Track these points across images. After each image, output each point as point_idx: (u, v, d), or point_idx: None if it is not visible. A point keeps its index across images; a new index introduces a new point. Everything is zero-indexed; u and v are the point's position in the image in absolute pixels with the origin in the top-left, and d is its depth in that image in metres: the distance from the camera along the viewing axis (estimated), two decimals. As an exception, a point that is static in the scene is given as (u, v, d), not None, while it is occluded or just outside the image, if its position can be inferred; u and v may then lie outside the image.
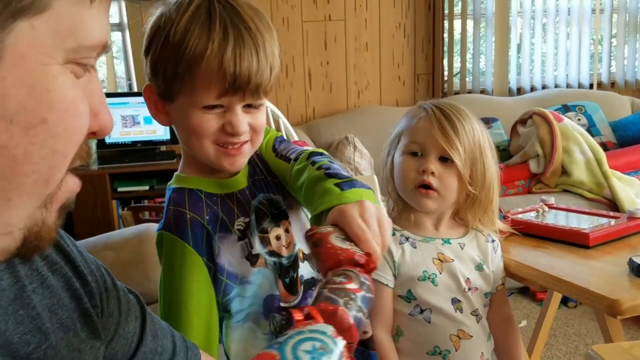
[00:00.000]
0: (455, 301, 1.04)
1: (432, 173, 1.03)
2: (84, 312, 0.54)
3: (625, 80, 3.81)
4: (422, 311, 1.04)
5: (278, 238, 0.86)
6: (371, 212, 0.63)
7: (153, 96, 0.81)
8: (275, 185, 0.90)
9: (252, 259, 0.84)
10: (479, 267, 1.08)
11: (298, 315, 0.43)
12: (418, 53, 3.52)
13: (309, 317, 0.43)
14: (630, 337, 2.29)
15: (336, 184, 0.71)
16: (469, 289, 1.06)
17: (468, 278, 1.06)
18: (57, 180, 0.39)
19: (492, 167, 1.07)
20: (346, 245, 0.57)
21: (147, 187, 2.97)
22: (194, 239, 0.80)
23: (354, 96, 3.45)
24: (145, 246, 1.54)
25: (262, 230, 0.86)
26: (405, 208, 1.10)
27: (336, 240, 0.57)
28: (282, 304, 0.86)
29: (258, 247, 0.85)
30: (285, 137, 0.96)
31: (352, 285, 0.49)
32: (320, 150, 0.87)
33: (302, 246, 0.89)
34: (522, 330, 2.35)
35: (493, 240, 1.12)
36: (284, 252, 0.87)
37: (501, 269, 1.12)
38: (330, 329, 0.42)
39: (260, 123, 0.82)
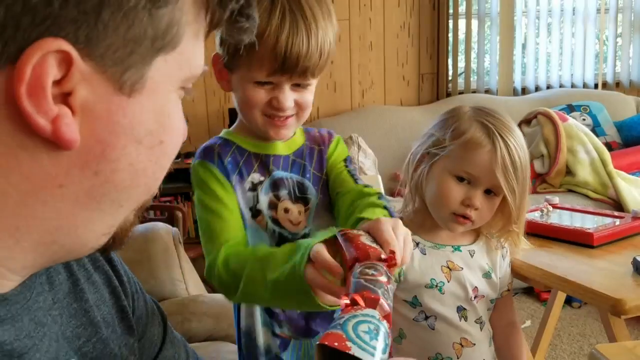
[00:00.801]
0: (460, 309, 1.03)
1: (476, 208, 0.99)
2: (121, 308, 0.57)
3: (630, 80, 3.81)
4: (426, 318, 1.03)
5: (286, 211, 0.93)
6: (402, 230, 0.68)
7: (218, 64, 0.91)
8: (316, 179, 0.96)
9: (255, 212, 0.92)
10: (487, 275, 1.06)
11: (345, 299, 0.47)
12: (422, 53, 3.52)
13: (354, 303, 0.48)
14: (635, 337, 2.29)
15: (385, 207, 0.80)
16: (476, 297, 1.04)
17: (476, 286, 1.04)
18: (156, 190, 0.45)
19: (528, 192, 1.02)
20: (375, 245, 0.62)
21: (152, 186, 2.98)
22: (219, 165, 0.92)
23: (358, 95, 3.45)
24: (151, 245, 1.54)
25: (276, 196, 0.93)
26: (422, 213, 1.06)
27: (366, 240, 0.62)
28: None
29: (264, 207, 0.93)
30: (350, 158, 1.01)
31: (382, 278, 0.53)
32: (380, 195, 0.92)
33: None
34: (526, 331, 2.35)
35: (502, 247, 1.10)
36: (289, 226, 0.93)
37: (508, 275, 1.11)
38: (377, 314, 0.46)
39: (306, 101, 0.90)
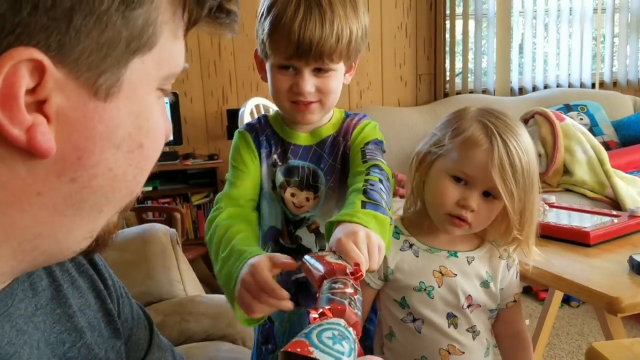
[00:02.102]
0: (450, 316, 1.00)
1: (472, 210, 0.95)
2: (107, 312, 0.57)
3: (627, 79, 3.81)
4: (414, 320, 1.01)
5: (292, 195, 1.01)
6: (364, 239, 0.71)
7: (258, 57, 1.00)
8: (330, 169, 1.01)
9: (274, 185, 1.02)
10: (484, 284, 1.01)
11: (314, 314, 0.49)
12: (420, 53, 3.52)
13: (322, 315, 0.50)
14: (631, 335, 2.29)
15: (362, 202, 0.81)
16: (470, 305, 1.00)
17: (470, 295, 1.00)
18: (138, 193, 0.44)
19: (537, 200, 0.97)
20: (340, 261, 0.65)
21: (150, 188, 2.99)
22: (254, 138, 1.03)
23: (356, 96, 3.46)
24: (149, 246, 1.54)
25: (287, 180, 1.01)
26: (422, 215, 1.04)
27: (331, 258, 0.66)
28: (280, 241, 1.03)
29: (277, 185, 1.02)
30: (382, 144, 1.01)
31: (349, 290, 0.56)
32: (385, 166, 0.93)
33: (320, 223, 1.01)
34: (524, 330, 2.36)
35: (509, 256, 1.03)
36: (291, 208, 1.01)
37: (515, 286, 1.05)
38: (342, 322, 0.49)
39: (328, 87, 0.94)
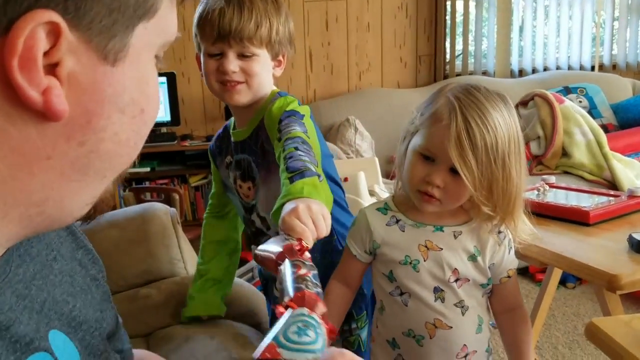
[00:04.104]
0: (437, 290, 1.01)
1: (437, 186, 0.96)
2: (92, 277, 0.58)
3: (626, 62, 3.81)
4: (401, 294, 1.02)
5: (240, 187, 1.21)
6: (303, 211, 0.76)
7: (198, 58, 1.13)
8: (258, 158, 1.15)
9: (230, 179, 1.23)
10: (472, 258, 1.02)
11: (281, 309, 0.52)
12: (420, 34, 3.50)
13: (287, 308, 0.53)
14: (630, 314, 2.31)
15: (289, 178, 0.86)
16: (457, 280, 1.01)
17: (456, 269, 1.00)
18: (134, 159, 0.45)
19: (516, 177, 0.96)
20: (286, 241, 0.69)
21: (148, 169, 2.98)
22: (212, 149, 1.30)
23: (356, 78, 3.44)
24: (149, 225, 1.54)
25: (235, 174, 1.21)
26: (407, 192, 1.05)
27: (278, 241, 0.70)
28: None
29: (232, 181, 1.22)
30: (294, 112, 1.07)
31: (302, 271, 0.59)
32: (299, 133, 0.99)
33: (264, 205, 1.17)
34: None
35: (499, 233, 1.03)
36: (244, 198, 1.21)
37: (509, 262, 1.04)
38: (305, 310, 0.51)
39: (251, 69, 1.08)
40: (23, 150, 0.37)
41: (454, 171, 0.94)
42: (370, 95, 3.27)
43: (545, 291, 1.60)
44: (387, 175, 2.46)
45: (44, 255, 0.51)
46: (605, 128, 3.09)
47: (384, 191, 2.45)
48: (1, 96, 0.35)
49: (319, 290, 0.56)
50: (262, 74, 1.09)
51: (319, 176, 0.87)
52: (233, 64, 1.06)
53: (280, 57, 1.13)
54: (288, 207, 0.77)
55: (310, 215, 0.75)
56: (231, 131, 1.20)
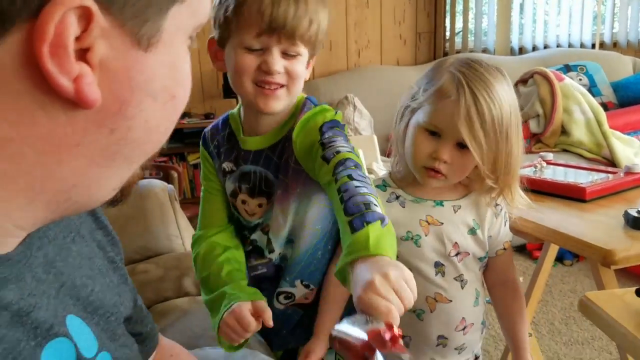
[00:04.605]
0: (438, 265, 1.01)
1: (444, 161, 0.96)
2: (110, 260, 0.57)
3: (627, 40, 3.78)
4: None
5: (244, 202, 1.01)
6: (381, 284, 0.64)
7: (213, 47, 0.94)
8: (284, 167, 0.96)
9: (226, 192, 1.04)
10: (472, 231, 1.03)
11: None
12: (420, 11, 3.47)
13: None
14: (624, 294, 2.33)
15: (349, 223, 0.74)
16: (457, 254, 1.02)
17: (456, 242, 1.02)
18: (163, 144, 0.44)
19: (516, 149, 0.97)
20: (371, 325, 0.59)
21: (146, 146, 2.97)
22: (209, 150, 1.05)
23: (354, 55, 3.42)
24: (146, 201, 1.55)
25: (239, 187, 1.00)
26: (407, 168, 1.04)
27: (361, 325, 0.59)
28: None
29: (228, 193, 1.03)
30: (337, 122, 0.94)
31: None
32: (349, 154, 0.86)
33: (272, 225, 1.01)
34: (517, 287, 2.40)
35: (496, 205, 1.05)
36: (244, 215, 1.02)
37: (505, 234, 1.07)
38: None
39: (296, 70, 0.90)
40: (52, 138, 0.36)
41: (460, 145, 0.95)
42: (369, 72, 3.25)
43: (542, 267, 1.61)
44: (386, 153, 2.46)
45: (62, 237, 0.50)
46: (605, 106, 3.08)
47: (382, 169, 2.44)
48: (31, 83, 0.34)
49: None
50: (302, 77, 0.93)
51: (383, 219, 0.74)
52: (279, 63, 0.88)
53: (313, 57, 0.96)
54: (360, 277, 0.66)
55: (392, 287, 0.64)
56: (241, 136, 0.99)
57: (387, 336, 0.56)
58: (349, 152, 0.87)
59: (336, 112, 0.96)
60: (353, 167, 0.83)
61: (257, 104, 0.91)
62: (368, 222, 0.72)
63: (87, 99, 0.35)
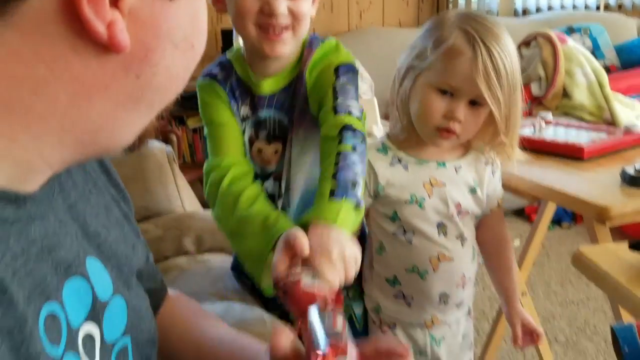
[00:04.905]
0: (440, 225, 1.02)
1: (459, 121, 0.95)
2: (124, 214, 0.59)
3: (633, 2, 3.72)
4: (405, 232, 1.02)
5: (260, 150, 0.98)
6: (337, 255, 0.71)
7: None
8: (297, 108, 0.94)
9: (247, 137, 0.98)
10: (472, 191, 1.04)
11: (318, 358, 0.50)
12: (422, -29, 3.40)
13: (324, 357, 0.51)
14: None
15: (331, 190, 0.79)
16: (459, 213, 1.03)
17: (459, 202, 1.02)
18: (181, 91, 0.46)
19: (520, 104, 0.98)
20: (315, 285, 0.65)
21: (145, 110, 2.96)
22: (223, 88, 0.96)
23: (356, 17, 3.36)
24: (145, 162, 1.55)
25: (255, 134, 0.98)
26: (409, 130, 1.03)
27: (305, 285, 0.65)
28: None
29: (246, 139, 0.98)
30: (352, 66, 0.92)
31: (339, 323, 0.57)
32: (359, 123, 0.86)
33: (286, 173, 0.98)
34: (516, 251, 2.42)
35: (493, 163, 1.06)
36: (259, 163, 0.99)
37: (498, 192, 1.08)
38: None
39: (301, 10, 0.86)
40: (84, 80, 0.38)
41: (472, 103, 0.95)
42: (370, 34, 3.21)
43: (537, 227, 1.62)
44: (386, 117, 2.45)
45: (82, 185, 0.52)
46: (608, 69, 3.05)
47: (382, 133, 2.44)
48: (68, 27, 0.36)
49: (350, 339, 0.55)
50: (308, 17, 0.88)
51: (359, 204, 0.80)
52: (282, 4, 0.84)
53: None
54: (322, 242, 0.72)
55: (344, 262, 0.71)
56: (254, 80, 0.95)
57: (330, 297, 0.62)
58: (359, 119, 0.87)
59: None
60: (360, 140, 0.85)
61: (263, 50, 0.88)
62: (347, 199, 0.78)
63: (118, 44, 0.37)
